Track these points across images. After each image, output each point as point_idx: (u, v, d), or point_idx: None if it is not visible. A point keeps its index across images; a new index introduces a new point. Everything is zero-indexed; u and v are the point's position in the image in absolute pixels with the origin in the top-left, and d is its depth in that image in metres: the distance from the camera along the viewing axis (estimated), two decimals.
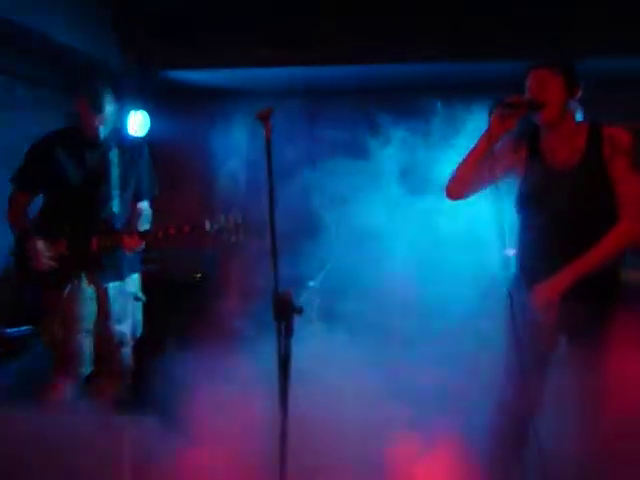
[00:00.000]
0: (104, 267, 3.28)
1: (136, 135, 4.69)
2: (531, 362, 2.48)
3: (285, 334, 2.34)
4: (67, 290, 3.23)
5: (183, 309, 4.58)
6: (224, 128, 5.45)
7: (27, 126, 4.26)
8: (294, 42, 5.00)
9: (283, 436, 2.24)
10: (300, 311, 2.39)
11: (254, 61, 5.17)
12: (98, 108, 3.25)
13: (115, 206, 3.30)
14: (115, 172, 3.32)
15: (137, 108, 4.90)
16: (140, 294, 3.49)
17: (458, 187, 2.72)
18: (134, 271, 3.45)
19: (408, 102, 4.20)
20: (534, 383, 2.55)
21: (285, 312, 2.36)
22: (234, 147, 5.46)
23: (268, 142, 2.28)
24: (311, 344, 2.94)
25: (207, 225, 3.20)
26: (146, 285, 3.56)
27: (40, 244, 3.19)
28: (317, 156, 4.88)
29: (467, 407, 3.06)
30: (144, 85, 5.10)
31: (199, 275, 4.97)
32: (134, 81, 4.94)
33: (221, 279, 4.81)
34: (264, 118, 2.28)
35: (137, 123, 4.89)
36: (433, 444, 2.88)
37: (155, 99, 5.20)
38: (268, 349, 2.52)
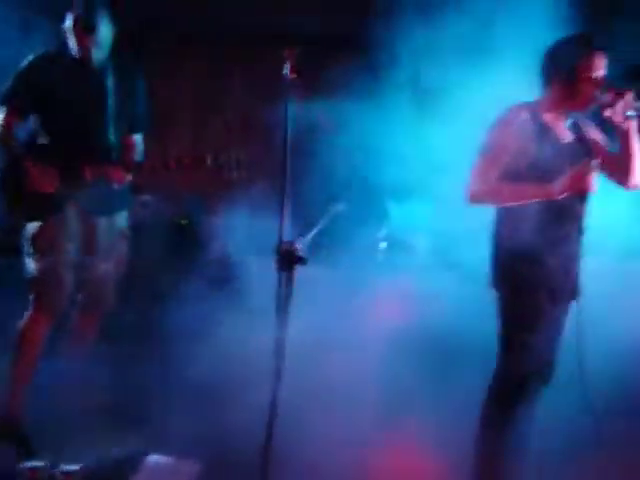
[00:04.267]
0: (95, 199, 3.11)
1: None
2: None
3: (286, 285, 2.29)
4: (55, 219, 3.05)
5: (167, 251, 4.45)
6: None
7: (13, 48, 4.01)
8: None
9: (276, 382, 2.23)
10: (304, 262, 2.33)
11: None
12: (91, 28, 3.01)
13: (110, 135, 3.13)
14: (110, 99, 3.14)
15: None
16: (127, 231, 3.34)
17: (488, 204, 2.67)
18: (124, 207, 3.30)
19: None
20: None
21: (288, 263, 2.30)
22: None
23: (290, 80, 2.23)
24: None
25: (208, 159, 3.05)
26: (132, 224, 3.42)
27: (41, 166, 3.00)
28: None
29: None
30: None
31: (185, 220, 4.84)
32: None
33: (208, 225, 4.68)
34: (289, 57, 2.27)
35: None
36: None
37: None
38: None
